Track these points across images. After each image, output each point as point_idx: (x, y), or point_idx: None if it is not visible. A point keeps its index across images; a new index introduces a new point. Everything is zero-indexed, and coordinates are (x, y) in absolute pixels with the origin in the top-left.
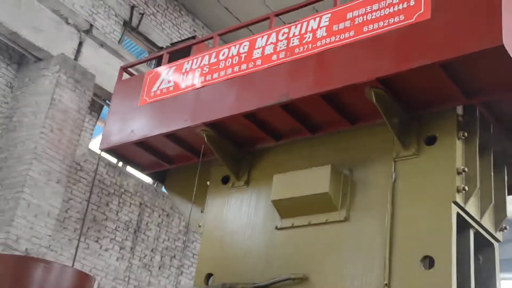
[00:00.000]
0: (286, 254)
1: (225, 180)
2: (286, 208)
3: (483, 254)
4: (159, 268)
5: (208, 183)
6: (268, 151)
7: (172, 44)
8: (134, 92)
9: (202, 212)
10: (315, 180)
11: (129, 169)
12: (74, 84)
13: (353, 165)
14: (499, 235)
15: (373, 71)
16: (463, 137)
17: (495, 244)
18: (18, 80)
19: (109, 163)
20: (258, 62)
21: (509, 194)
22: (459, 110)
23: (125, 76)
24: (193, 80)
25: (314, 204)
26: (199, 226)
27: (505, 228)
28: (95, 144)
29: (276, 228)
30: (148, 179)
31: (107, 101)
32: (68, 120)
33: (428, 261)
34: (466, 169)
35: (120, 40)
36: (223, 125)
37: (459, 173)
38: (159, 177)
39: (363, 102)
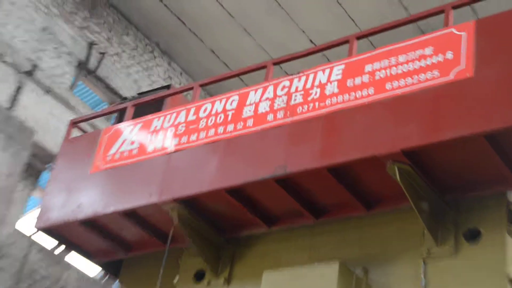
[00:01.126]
0: None
1: (200, 276)
2: None
3: None
4: None
5: (176, 279)
6: (257, 239)
7: (140, 94)
8: (85, 154)
9: None
10: (318, 280)
11: (71, 256)
12: (6, 141)
13: (368, 263)
14: None
15: (398, 141)
16: None
17: None
18: None
19: (43, 249)
20: (250, 122)
21: None
22: (511, 196)
23: (75, 133)
24: (164, 142)
25: None
26: None
27: None
28: (26, 222)
29: None
30: (95, 270)
31: (49, 165)
32: None
33: None
34: None
35: (72, 85)
36: (200, 203)
37: (510, 280)
38: (112, 268)
39: (384, 180)
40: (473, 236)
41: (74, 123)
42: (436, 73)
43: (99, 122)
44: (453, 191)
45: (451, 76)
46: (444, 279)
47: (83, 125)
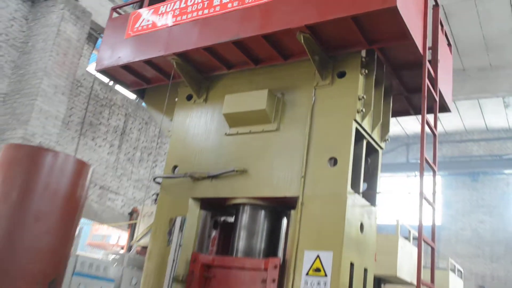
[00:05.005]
0: (232, 153)
1: (189, 98)
2: (233, 119)
3: (371, 158)
4: (139, 161)
5: (176, 99)
6: (221, 77)
7: None
8: (121, 27)
9: (171, 121)
10: (255, 99)
11: (117, 87)
12: (75, 20)
13: (284, 90)
14: (382, 144)
15: (303, 20)
16: (364, 73)
17: (380, 151)
18: (32, 14)
19: (102, 82)
20: (217, 8)
21: (392, 116)
22: (363, 53)
23: (115, 15)
24: (167, 20)
25: (254, 118)
26: (169, 131)
27: (387, 140)
28: (91, 68)
29: (226, 134)
30: (132, 95)
31: (101, 34)
32: (70, 47)
33: (333, 161)
34: (364, 96)
35: None
36: (188, 55)
37: (359, 99)
38: (140, 93)
39: (294, 43)
40: (341, 75)
41: (114, 9)
42: None
43: (129, 9)
44: (333, 49)
45: None
46: (325, 98)
47: (119, 10)
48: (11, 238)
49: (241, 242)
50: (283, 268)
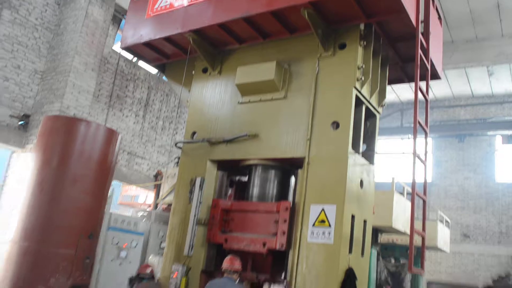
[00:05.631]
0: (245, 120)
1: (205, 70)
2: (245, 89)
3: (370, 121)
4: (162, 129)
5: (193, 72)
6: (234, 51)
7: None
8: (142, 9)
9: (189, 92)
10: (265, 70)
11: (140, 62)
12: (101, 3)
13: (290, 61)
14: (380, 109)
15: None
16: (363, 45)
17: (377, 115)
18: None
19: (126, 59)
20: None
21: (388, 84)
22: (362, 26)
23: None
24: (183, 0)
25: (264, 87)
26: (187, 102)
27: (384, 105)
28: (116, 46)
29: (238, 102)
30: (153, 70)
31: (124, 16)
32: (97, 28)
33: (336, 125)
34: (363, 66)
35: None
36: (203, 32)
37: (358, 68)
38: (161, 68)
39: (299, 18)
40: (342, 46)
41: None
42: None
43: None
44: (334, 23)
45: None
46: (327, 67)
47: None
48: (54, 199)
49: (255, 190)
50: (291, 219)
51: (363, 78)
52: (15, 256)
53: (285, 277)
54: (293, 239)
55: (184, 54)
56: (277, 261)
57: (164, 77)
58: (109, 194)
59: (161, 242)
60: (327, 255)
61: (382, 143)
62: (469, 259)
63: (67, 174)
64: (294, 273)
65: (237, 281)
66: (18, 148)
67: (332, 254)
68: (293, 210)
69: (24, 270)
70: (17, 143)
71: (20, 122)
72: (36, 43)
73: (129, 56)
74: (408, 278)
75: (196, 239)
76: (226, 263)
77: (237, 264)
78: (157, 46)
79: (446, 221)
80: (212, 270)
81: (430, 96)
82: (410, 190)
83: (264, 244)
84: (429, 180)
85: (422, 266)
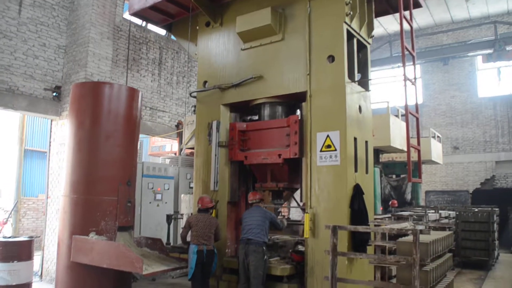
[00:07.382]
0: (249, 64)
1: (208, 24)
2: (246, 36)
3: (362, 52)
4: (177, 84)
5: (197, 27)
6: (232, 2)
7: None
8: None
9: (196, 46)
10: (261, 17)
11: (149, 26)
12: None
13: (284, 6)
14: (370, 40)
15: None
16: None
17: (368, 46)
18: None
19: (136, 24)
20: None
21: (375, 17)
22: None
23: None
24: None
25: (262, 32)
26: (196, 55)
27: (373, 36)
28: (126, 14)
29: (241, 49)
30: (162, 31)
31: None
32: (107, 0)
33: (331, 58)
34: (350, 1)
35: None
36: None
37: (346, 4)
38: (168, 28)
39: None
40: None
41: None
42: None
43: None
44: None
45: None
46: (319, 7)
47: None
48: (92, 154)
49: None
50: (301, 131)
51: (351, 13)
52: (68, 207)
53: (300, 183)
54: (304, 148)
55: (187, 11)
56: (292, 170)
57: (172, 36)
58: (138, 146)
59: (189, 183)
60: (336, 175)
61: (375, 74)
62: (459, 167)
63: (100, 131)
64: (309, 194)
65: (264, 207)
66: (56, 117)
67: (340, 173)
68: (301, 123)
69: (77, 218)
70: (54, 112)
71: (53, 94)
72: (56, 21)
73: (138, 21)
74: (409, 189)
75: (219, 159)
76: (250, 197)
77: (259, 195)
78: (162, 8)
79: (438, 137)
80: (236, 200)
81: (414, 25)
82: (404, 111)
83: (279, 155)
84: (419, 101)
85: (419, 176)
